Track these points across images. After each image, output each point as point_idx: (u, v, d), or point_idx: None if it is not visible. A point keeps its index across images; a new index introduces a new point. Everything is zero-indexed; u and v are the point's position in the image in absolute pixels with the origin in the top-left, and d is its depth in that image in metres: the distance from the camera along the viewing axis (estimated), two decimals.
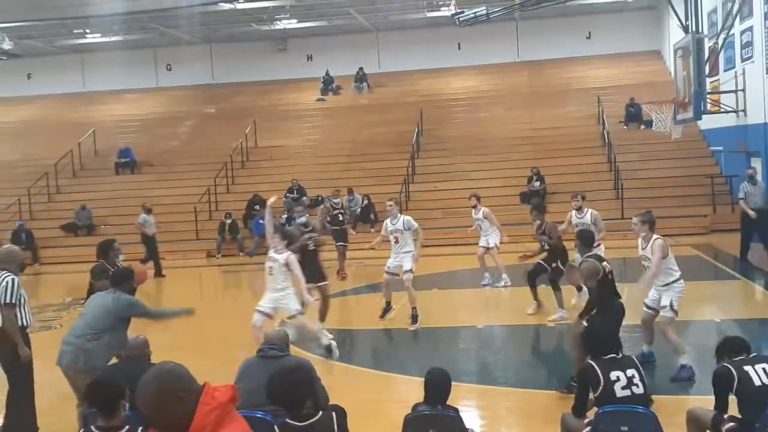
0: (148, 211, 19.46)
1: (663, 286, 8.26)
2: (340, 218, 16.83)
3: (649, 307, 8.51)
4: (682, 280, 8.29)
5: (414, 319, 11.11)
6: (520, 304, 12.91)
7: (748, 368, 5.17)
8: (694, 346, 10.35)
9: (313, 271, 10.51)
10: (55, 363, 6.85)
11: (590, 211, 11.92)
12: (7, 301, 6.91)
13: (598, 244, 10.71)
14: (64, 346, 6.77)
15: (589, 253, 8.18)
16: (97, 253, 8.81)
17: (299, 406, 4.76)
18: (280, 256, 9.33)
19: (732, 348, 5.45)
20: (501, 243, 14.06)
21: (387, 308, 11.60)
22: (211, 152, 26.73)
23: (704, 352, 9.75)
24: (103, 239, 9.09)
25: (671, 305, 8.20)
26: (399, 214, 11.64)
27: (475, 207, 14.28)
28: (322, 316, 10.68)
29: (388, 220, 11.69)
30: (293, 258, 9.37)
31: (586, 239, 8.51)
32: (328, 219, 16.13)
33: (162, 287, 17.88)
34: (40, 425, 8.16)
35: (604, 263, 7.67)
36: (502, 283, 13.95)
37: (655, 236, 8.22)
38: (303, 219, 10.87)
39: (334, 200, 16.88)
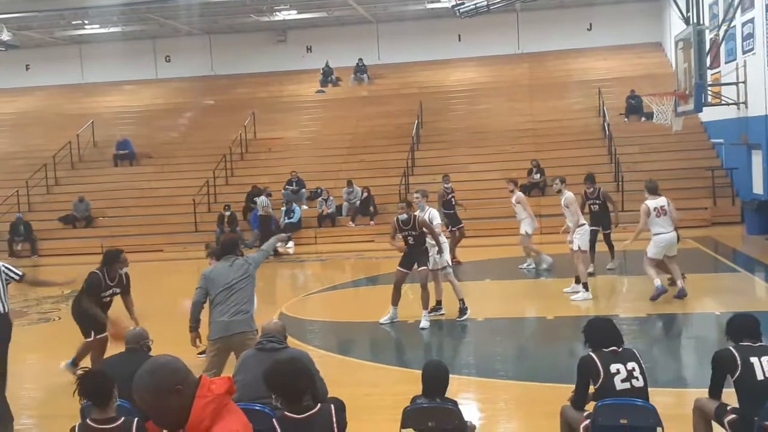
0: (269, 195, 21.22)
1: None
2: (453, 202, 16.58)
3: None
4: None
5: (461, 312, 11.01)
6: (517, 297, 12.90)
7: (754, 360, 5.07)
8: (693, 338, 10.36)
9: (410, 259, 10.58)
10: (216, 337, 7.01)
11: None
12: None
13: None
14: (228, 317, 6.99)
15: None
16: (102, 260, 8.71)
17: (297, 398, 4.73)
18: None
19: (741, 327, 5.31)
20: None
21: (436, 307, 11.20)
22: (210, 144, 26.68)
23: (704, 344, 9.75)
24: (112, 249, 9.10)
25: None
26: (426, 207, 11.17)
27: (512, 192, 14.75)
28: (425, 305, 10.60)
29: (417, 213, 11.15)
30: None
31: None
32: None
33: (162, 279, 17.84)
34: (41, 416, 8.17)
35: None
36: (544, 266, 14.63)
37: None
38: (404, 216, 10.56)
39: (446, 185, 16.78)
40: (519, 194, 14.73)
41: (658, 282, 11.24)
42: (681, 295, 11.22)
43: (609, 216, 13.91)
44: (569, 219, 12.28)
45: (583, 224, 12.12)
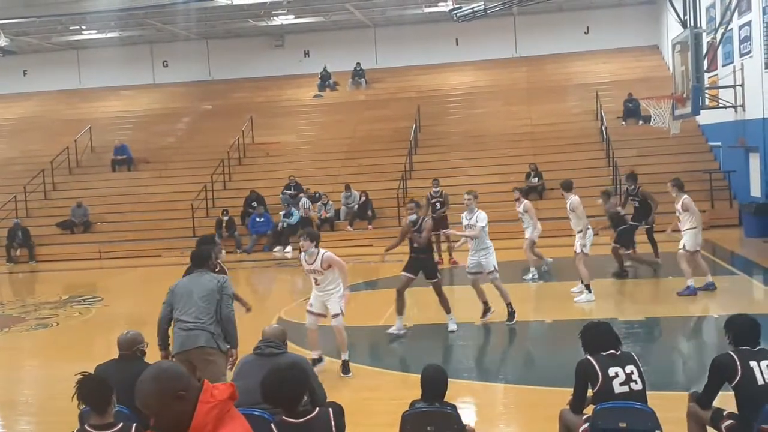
0: (309, 197, 21.67)
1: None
2: (438, 207, 17.00)
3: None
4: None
5: (510, 315, 10.82)
6: (515, 301, 12.88)
7: (753, 364, 5.02)
8: (692, 341, 10.36)
9: (423, 268, 10.32)
10: (176, 352, 6.60)
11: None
12: None
13: None
14: (185, 332, 6.58)
15: None
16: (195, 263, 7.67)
17: (294, 404, 4.73)
18: (316, 263, 8.62)
19: (743, 329, 5.22)
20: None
21: (486, 309, 10.88)
22: (207, 149, 26.67)
23: (702, 347, 9.77)
24: (203, 235, 8.43)
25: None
26: (476, 209, 10.78)
27: (517, 200, 14.82)
28: (447, 309, 10.50)
29: (464, 214, 10.87)
30: (330, 255, 8.70)
31: None
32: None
33: (160, 285, 17.80)
34: (39, 422, 8.15)
35: None
36: (545, 267, 14.57)
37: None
38: (414, 217, 10.37)
39: (434, 190, 17.07)
40: (526, 202, 14.76)
41: (709, 278, 12.08)
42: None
43: (650, 212, 14.39)
44: (574, 223, 12.34)
45: (588, 228, 12.23)
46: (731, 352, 5.15)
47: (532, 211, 14.53)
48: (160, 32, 31.64)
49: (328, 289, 8.78)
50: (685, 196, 12.19)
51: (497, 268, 10.84)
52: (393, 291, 10.72)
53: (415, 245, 10.43)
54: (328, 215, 22.27)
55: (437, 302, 10.69)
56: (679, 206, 12.13)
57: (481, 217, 10.68)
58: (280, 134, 27.75)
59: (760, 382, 4.97)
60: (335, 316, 8.72)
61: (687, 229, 11.99)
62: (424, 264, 10.47)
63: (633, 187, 14.62)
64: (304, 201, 21.18)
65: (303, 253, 8.76)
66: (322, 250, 8.70)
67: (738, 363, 5.04)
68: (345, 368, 8.70)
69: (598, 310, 11.52)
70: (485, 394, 8.10)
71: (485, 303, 10.92)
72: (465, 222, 10.87)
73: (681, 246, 11.99)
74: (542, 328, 11.16)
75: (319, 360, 8.93)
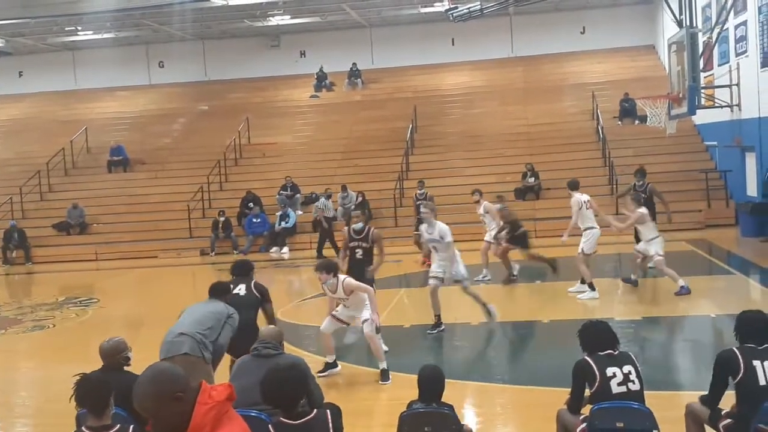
0: (328, 197, 21.41)
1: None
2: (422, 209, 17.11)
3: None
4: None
5: (488, 314, 10.50)
6: (512, 301, 12.89)
7: (756, 363, 4.96)
8: (688, 340, 10.36)
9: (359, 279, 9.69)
10: (161, 358, 6.30)
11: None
12: None
13: None
14: (172, 338, 6.43)
15: None
16: (238, 272, 8.11)
17: (293, 404, 4.72)
18: (339, 291, 8.47)
19: (750, 325, 5.14)
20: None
21: (437, 323, 10.46)
22: (204, 150, 26.65)
23: (699, 347, 9.77)
24: (242, 260, 8.39)
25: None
26: (435, 221, 10.28)
27: (477, 202, 14.55)
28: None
29: (423, 227, 10.57)
30: (350, 281, 8.55)
31: None
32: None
33: (157, 286, 17.79)
34: (36, 424, 8.13)
35: None
36: (481, 277, 13.99)
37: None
38: (359, 225, 9.99)
39: (419, 191, 17.06)
40: (486, 204, 14.55)
41: (634, 276, 12.33)
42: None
43: (653, 211, 14.12)
44: (580, 222, 12.43)
45: (592, 228, 12.26)
46: (734, 348, 5.09)
47: (493, 212, 14.29)
48: (156, 33, 31.61)
49: (359, 305, 8.63)
50: (642, 209, 12.27)
51: (466, 275, 10.53)
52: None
53: (358, 256, 9.99)
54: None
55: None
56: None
57: (444, 231, 10.14)
58: (277, 135, 27.73)
59: (762, 382, 4.92)
60: (365, 321, 8.48)
61: (653, 238, 12.11)
62: (359, 272, 9.82)
63: (642, 182, 14.73)
64: (321, 201, 21.14)
65: (323, 284, 8.57)
66: (341, 277, 8.52)
67: (741, 359, 4.99)
68: (384, 376, 8.45)
69: (595, 309, 11.52)
70: (482, 395, 8.09)
71: (438, 317, 10.51)
72: (426, 236, 10.43)
73: (657, 253, 12.03)
74: (539, 328, 11.16)
75: (334, 365, 8.75)
